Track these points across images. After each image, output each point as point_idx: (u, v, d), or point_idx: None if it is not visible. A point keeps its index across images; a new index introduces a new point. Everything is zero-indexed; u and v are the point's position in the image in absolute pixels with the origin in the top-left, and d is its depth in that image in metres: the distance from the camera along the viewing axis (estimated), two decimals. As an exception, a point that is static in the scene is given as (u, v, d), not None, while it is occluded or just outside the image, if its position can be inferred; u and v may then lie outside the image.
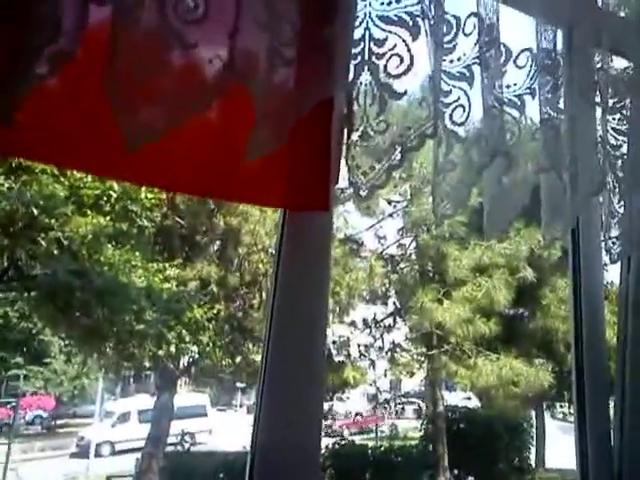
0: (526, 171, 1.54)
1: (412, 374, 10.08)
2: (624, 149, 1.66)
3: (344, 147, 1.16)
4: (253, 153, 1.00)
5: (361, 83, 1.17)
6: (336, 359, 9.29)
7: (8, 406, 18.76)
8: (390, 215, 9.46)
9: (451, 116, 1.31)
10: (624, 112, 1.68)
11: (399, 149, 1.18)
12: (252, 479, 1.17)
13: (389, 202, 9.26)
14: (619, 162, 1.65)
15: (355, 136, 1.17)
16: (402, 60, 1.14)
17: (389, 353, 9.75)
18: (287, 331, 1.23)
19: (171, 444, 11.65)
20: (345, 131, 1.16)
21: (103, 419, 17.87)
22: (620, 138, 1.65)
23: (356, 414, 13.47)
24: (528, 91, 1.46)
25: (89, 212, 6.30)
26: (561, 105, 1.52)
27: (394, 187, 8.92)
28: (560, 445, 12.39)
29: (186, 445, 13.52)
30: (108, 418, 17.72)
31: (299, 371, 1.22)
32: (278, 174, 1.12)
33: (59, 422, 20.23)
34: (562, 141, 1.50)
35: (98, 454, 15.89)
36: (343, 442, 10.87)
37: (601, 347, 1.69)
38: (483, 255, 8.37)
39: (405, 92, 1.18)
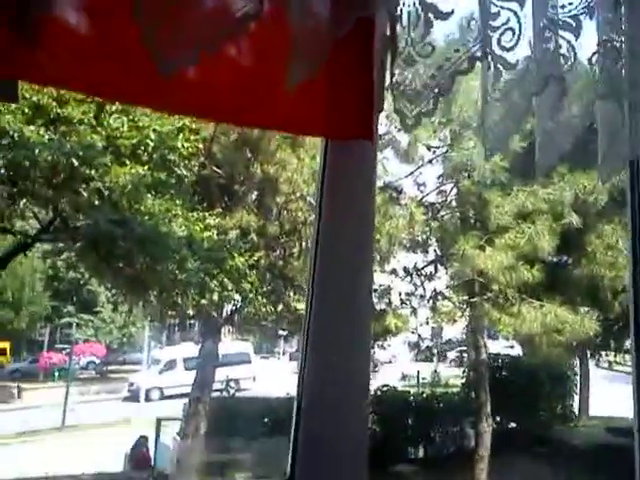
0: (581, 102, 1.44)
1: (454, 322, 10.05)
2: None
3: (387, 71, 1.08)
4: (292, 79, 0.94)
5: (404, 3, 1.09)
6: (377, 307, 9.30)
7: (63, 352, 19.67)
8: (430, 161, 9.25)
9: (499, 40, 1.21)
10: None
11: (447, 73, 1.10)
12: (298, 424, 1.15)
13: (428, 148, 9.04)
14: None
15: (399, 60, 1.10)
16: (447, -24, 1.06)
17: (431, 301, 9.72)
18: (331, 277, 1.19)
19: (216, 390, 12.02)
20: (389, 54, 1.09)
21: (151, 366, 18.59)
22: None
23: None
24: (585, 10, 1.34)
25: (127, 162, 6.32)
26: (623, 26, 1.40)
27: (433, 132, 8.68)
28: (605, 393, 12.32)
29: (231, 391, 13.96)
30: (155, 365, 18.42)
31: (344, 318, 1.18)
32: (318, 101, 1.05)
33: (110, 368, 21.15)
34: (623, 66, 1.39)
35: (148, 398, 16.64)
36: (385, 388, 11.02)
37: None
38: (526, 201, 8.14)
39: (452, 12, 1.09)
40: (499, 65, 1.20)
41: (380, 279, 9.16)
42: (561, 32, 1.32)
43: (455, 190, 9.24)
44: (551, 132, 1.38)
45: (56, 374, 19.05)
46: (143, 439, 11.17)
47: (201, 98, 0.99)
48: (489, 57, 1.18)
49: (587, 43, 1.40)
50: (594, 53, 1.38)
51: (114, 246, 6.43)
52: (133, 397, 17.25)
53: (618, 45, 1.37)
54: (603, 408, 12.20)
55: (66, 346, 20.02)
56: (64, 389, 15.48)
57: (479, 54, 1.11)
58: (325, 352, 1.15)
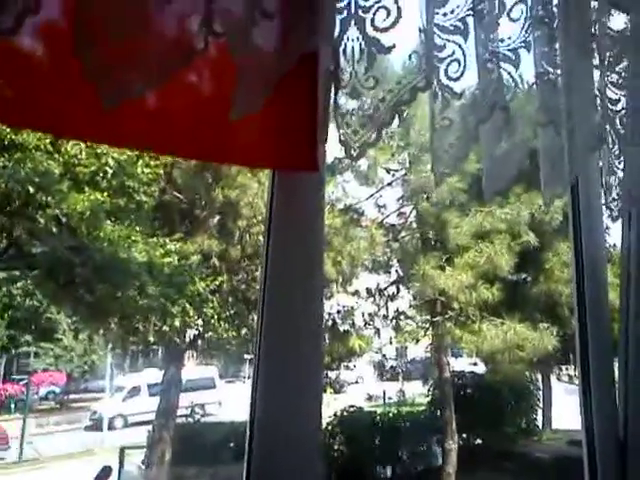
0: (524, 129, 1.51)
1: (417, 341, 10.14)
2: (623, 103, 1.61)
3: (332, 105, 1.12)
4: (236, 112, 0.96)
5: (348, 38, 1.13)
6: (341, 328, 9.33)
7: (21, 383, 19.02)
8: (389, 184, 9.39)
9: (446, 71, 1.27)
10: (623, 65, 1.63)
11: (390, 105, 1.14)
12: (252, 452, 1.16)
13: (388, 171, 9.19)
14: (618, 117, 1.60)
15: (343, 93, 1.13)
16: (389, 13, 1.10)
17: (394, 321, 9.79)
18: (281, 300, 1.20)
19: (181, 416, 11.82)
20: (333, 88, 1.12)
21: (114, 394, 18.13)
22: (619, 92, 1.60)
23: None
24: (523, 45, 1.42)
25: (86, 188, 6.25)
26: (558, 59, 1.47)
27: (392, 155, 8.85)
28: (566, 407, 12.54)
29: (196, 416, 13.71)
30: (119, 392, 17.98)
31: (296, 340, 1.20)
32: (266, 134, 1.08)
33: (72, 397, 20.51)
34: (559, 96, 1.46)
35: (111, 427, 16.16)
36: (352, 409, 10.99)
37: (604, 309, 1.67)
38: (484, 221, 8.33)
39: (394, 46, 1.14)
40: (446, 94, 1.26)
41: (343, 300, 9.21)
42: (502, 64, 1.39)
43: (414, 212, 9.39)
44: (497, 159, 1.44)
45: (12, 406, 18.40)
46: (107, 469, 10.87)
47: (146, 132, 1.01)
48: (435, 87, 1.24)
49: (527, 74, 1.48)
50: (533, 84, 1.45)
51: (73, 273, 6.33)
52: (96, 426, 16.77)
53: (554, 77, 1.44)
54: (565, 421, 12.40)
55: (23, 376, 19.40)
56: (21, 421, 14.97)
57: (421, 85, 1.16)
58: (276, 380, 1.16)
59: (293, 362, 1.19)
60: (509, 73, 1.41)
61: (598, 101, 1.48)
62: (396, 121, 1.24)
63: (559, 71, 1.47)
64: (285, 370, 1.20)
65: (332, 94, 1.12)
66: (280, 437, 1.16)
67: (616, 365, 1.71)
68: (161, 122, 0.99)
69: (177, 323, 7.48)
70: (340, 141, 1.13)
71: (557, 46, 1.46)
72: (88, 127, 1.00)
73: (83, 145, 6.19)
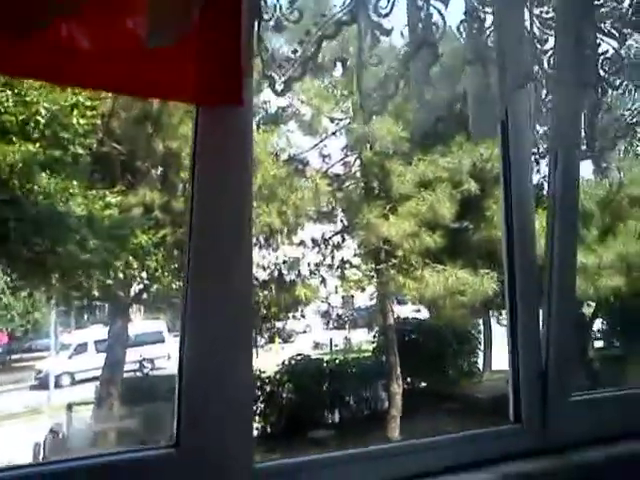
0: (452, 66, 1.51)
1: (363, 289, 10.30)
2: (551, 43, 1.63)
3: (255, 38, 1.09)
4: (152, 41, 0.93)
5: (271, -32, 1.10)
6: (287, 278, 9.37)
7: (-40, 344, 18.50)
8: (333, 133, 9.34)
9: (375, 7, 1.25)
10: (551, 3, 1.64)
11: (314, 38, 1.12)
12: (180, 399, 1.15)
13: (332, 120, 9.12)
14: (546, 56, 1.62)
15: (268, 26, 1.11)
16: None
17: (339, 270, 9.91)
18: (207, 253, 1.19)
19: (130, 371, 11.77)
20: (255, 20, 1.10)
21: (60, 351, 17.85)
22: (547, 31, 1.62)
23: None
24: (453, -19, 1.41)
25: (14, 139, 5.98)
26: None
27: (336, 104, 8.77)
28: (505, 349, 13.04)
29: (145, 370, 13.68)
30: (65, 350, 17.69)
31: (222, 294, 1.19)
32: (187, 67, 1.05)
33: (14, 357, 20.07)
34: (487, 34, 1.47)
35: (58, 385, 15.94)
36: (299, 357, 11.17)
37: (532, 254, 1.73)
38: (427, 170, 8.43)
39: (320, -22, 1.11)
40: (375, 31, 1.24)
41: (289, 251, 9.23)
42: (432, 1, 1.38)
43: (359, 161, 9.40)
44: (425, 96, 1.45)
45: (-47, 367, 17.91)
46: (57, 426, 10.82)
47: (62, 64, 0.97)
48: (363, 24, 1.22)
49: (455, 12, 1.47)
50: (461, 21, 1.45)
51: (7, 228, 6.10)
52: (42, 385, 16.48)
53: (482, 16, 1.45)
54: (504, 362, 12.91)
55: (-38, 337, 18.84)
56: (-38, 384, 14.60)
57: (346, 18, 1.14)
58: (204, 327, 1.15)
59: (222, 310, 1.19)
60: (439, 11, 1.40)
61: (527, 39, 1.49)
62: (340, 69, 1.23)
63: (489, 9, 1.48)
64: (214, 318, 1.19)
65: (255, 26, 1.09)
66: (209, 384, 1.16)
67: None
68: (68, 52, 0.94)
69: (121, 276, 7.38)
70: (264, 75, 1.11)
71: (486, -17, 1.45)
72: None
73: (10, 92, 5.88)
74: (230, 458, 1.15)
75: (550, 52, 1.60)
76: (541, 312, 1.75)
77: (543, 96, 1.64)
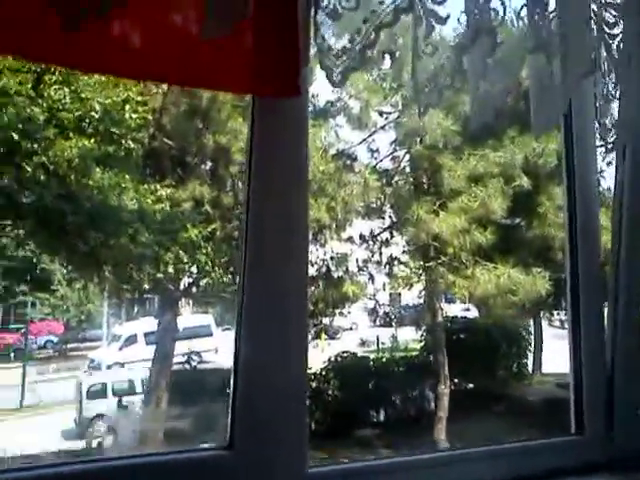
0: (510, 55, 1.43)
1: (411, 287, 10.18)
2: (621, 27, 1.52)
3: (312, 27, 1.06)
4: (207, 32, 0.91)
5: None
6: (335, 275, 9.35)
7: (19, 332, 19.17)
8: (382, 127, 9.24)
9: (431, -6, 1.20)
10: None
11: (373, 27, 1.08)
12: (235, 400, 1.13)
13: (380, 114, 9.02)
14: (615, 42, 1.52)
15: (323, 14, 1.07)
16: None
17: (387, 267, 9.82)
18: (263, 247, 1.16)
19: (178, 363, 11.99)
20: (312, 9, 1.06)
21: (111, 342, 18.35)
22: (616, 15, 1.51)
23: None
24: (514, -35, 1.34)
25: (72, 135, 6.11)
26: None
27: (384, 98, 8.67)
28: (556, 351, 12.71)
29: (193, 363, 13.92)
30: (116, 341, 18.18)
31: (278, 289, 1.16)
32: (243, 57, 1.02)
33: (70, 346, 20.75)
34: (550, 20, 1.39)
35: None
36: (345, 354, 11.14)
37: (596, 253, 1.63)
38: (478, 164, 8.25)
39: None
40: (430, 19, 1.19)
41: (337, 247, 9.19)
42: (491, -15, 1.32)
43: (408, 155, 9.28)
44: (484, 88, 1.38)
45: (12, 354, 18.59)
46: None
47: (117, 56, 0.95)
48: (419, 11, 1.17)
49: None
50: (522, 6, 1.37)
51: (64, 222, 6.26)
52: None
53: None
54: (555, 365, 12.61)
55: (21, 326, 19.55)
56: (21, 369, 15.16)
57: (405, 6, 1.09)
58: (259, 323, 1.13)
59: (277, 306, 1.16)
60: (498, -4, 1.33)
61: (593, 24, 1.40)
62: (388, 62, 1.19)
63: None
64: (270, 314, 1.17)
65: (312, 15, 1.06)
66: (264, 383, 1.13)
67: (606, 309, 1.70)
68: (123, 44, 0.92)
69: (171, 270, 7.48)
70: (322, 66, 1.08)
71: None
72: (53, 50, 0.94)
73: (67, 89, 6.02)
74: (284, 464, 1.12)
75: (619, 37, 1.50)
76: (606, 315, 1.65)
77: (611, 86, 1.55)
